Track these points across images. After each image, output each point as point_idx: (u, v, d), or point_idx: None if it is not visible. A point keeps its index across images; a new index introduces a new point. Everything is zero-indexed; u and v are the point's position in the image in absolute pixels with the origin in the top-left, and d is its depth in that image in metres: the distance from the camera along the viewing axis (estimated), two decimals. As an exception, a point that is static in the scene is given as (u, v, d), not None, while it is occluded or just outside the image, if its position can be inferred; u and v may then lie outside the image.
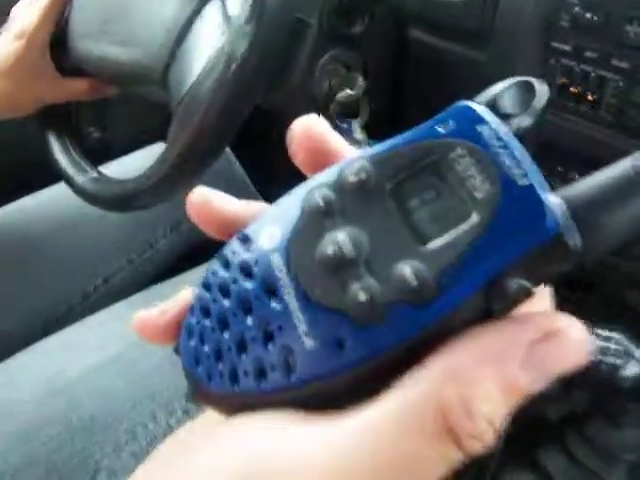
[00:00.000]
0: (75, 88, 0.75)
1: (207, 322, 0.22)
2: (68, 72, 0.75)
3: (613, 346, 0.58)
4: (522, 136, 0.20)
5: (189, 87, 0.58)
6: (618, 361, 0.57)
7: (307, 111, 0.77)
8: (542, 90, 0.21)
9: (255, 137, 1.03)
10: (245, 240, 0.22)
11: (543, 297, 0.22)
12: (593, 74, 0.54)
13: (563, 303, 0.71)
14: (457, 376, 0.18)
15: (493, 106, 0.21)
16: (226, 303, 0.22)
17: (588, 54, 0.54)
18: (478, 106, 0.21)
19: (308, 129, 0.24)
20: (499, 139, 0.20)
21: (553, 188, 0.60)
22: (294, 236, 0.21)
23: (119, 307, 0.76)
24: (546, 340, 0.19)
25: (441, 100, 0.73)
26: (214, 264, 0.23)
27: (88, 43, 0.71)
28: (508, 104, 0.21)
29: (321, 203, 0.21)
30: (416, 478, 0.18)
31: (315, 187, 0.22)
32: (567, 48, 0.55)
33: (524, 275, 0.19)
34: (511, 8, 0.59)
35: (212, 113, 0.55)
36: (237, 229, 0.23)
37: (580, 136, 0.57)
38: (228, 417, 0.21)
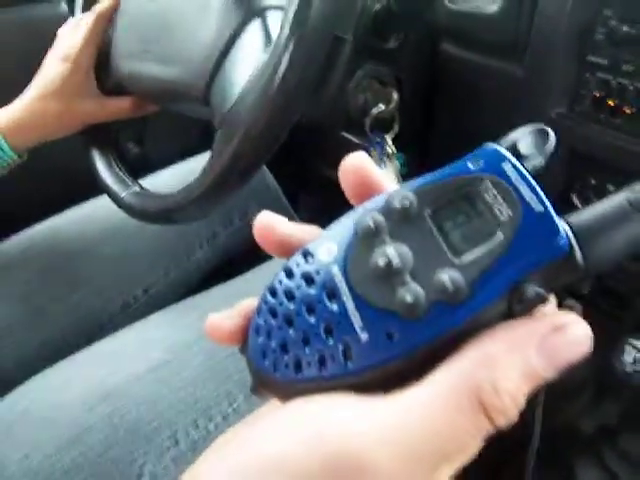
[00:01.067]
0: (118, 107, 0.78)
1: (274, 321, 0.26)
2: (111, 91, 0.78)
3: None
4: (536, 173, 0.25)
5: (232, 104, 0.59)
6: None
7: (342, 125, 0.79)
8: (552, 136, 0.26)
9: (290, 151, 1.05)
10: (307, 254, 0.27)
11: (551, 301, 0.26)
12: (631, 87, 0.54)
13: (600, 315, 0.72)
14: (487, 362, 0.22)
15: (514, 148, 0.26)
16: (291, 305, 0.26)
17: (624, 67, 0.54)
18: (502, 148, 0.26)
19: (356, 165, 0.29)
20: (519, 174, 0.24)
21: (587, 200, 0.61)
22: (350, 251, 0.26)
23: (157, 317, 0.77)
24: (555, 333, 0.23)
25: (474, 115, 0.74)
26: (279, 274, 0.27)
27: (130, 62, 0.73)
28: (525, 147, 0.25)
29: (372, 225, 0.26)
30: (457, 446, 0.22)
31: (365, 212, 0.26)
32: (603, 61, 0.55)
33: (539, 284, 0.23)
34: (546, 21, 0.59)
35: (255, 129, 0.56)
36: (292, 248, 0.28)
37: (615, 149, 0.57)
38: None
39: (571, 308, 0.72)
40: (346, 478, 0.21)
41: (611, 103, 0.56)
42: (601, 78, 0.56)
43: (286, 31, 0.54)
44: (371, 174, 0.29)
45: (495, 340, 0.23)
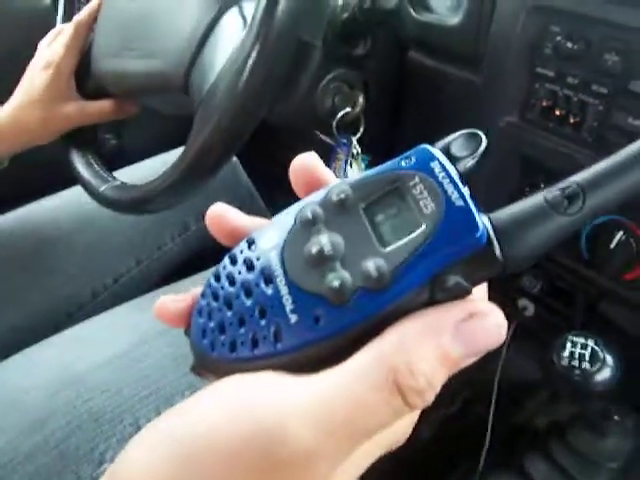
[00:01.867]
0: (99, 110, 0.80)
1: (215, 303, 0.28)
2: (91, 95, 0.79)
3: (587, 353, 0.61)
4: (467, 173, 0.27)
5: (206, 91, 0.61)
6: (591, 367, 0.60)
7: (311, 126, 0.81)
8: (483, 140, 0.27)
9: (263, 151, 1.07)
10: (250, 242, 0.28)
11: (482, 293, 0.28)
12: (575, 98, 0.56)
13: (550, 314, 0.74)
14: (403, 344, 0.24)
15: (447, 150, 0.27)
16: (232, 289, 0.27)
17: (570, 80, 0.56)
18: (433, 148, 0.27)
19: (304, 164, 0.31)
20: (445, 172, 0.26)
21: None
22: (288, 239, 0.27)
23: (127, 307, 0.79)
24: (470, 319, 0.24)
25: (436, 118, 0.77)
26: (224, 261, 0.29)
27: (110, 61, 0.74)
28: (457, 149, 0.27)
29: (310, 215, 0.27)
30: (375, 423, 0.24)
31: (306, 204, 0.28)
32: (551, 74, 0.58)
33: (461, 275, 0.24)
34: (501, 35, 0.62)
35: (224, 120, 0.58)
36: (243, 237, 0.29)
37: (562, 156, 0.59)
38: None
39: (524, 307, 0.75)
40: (271, 451, 0.23)
41: (558, 112, 0.58)
42: (549, 89, 0.58)
43: (254, 29, 0.56)
44: (318, 172, 0.31)
45: (412, 324, 0.24)
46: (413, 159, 0.27)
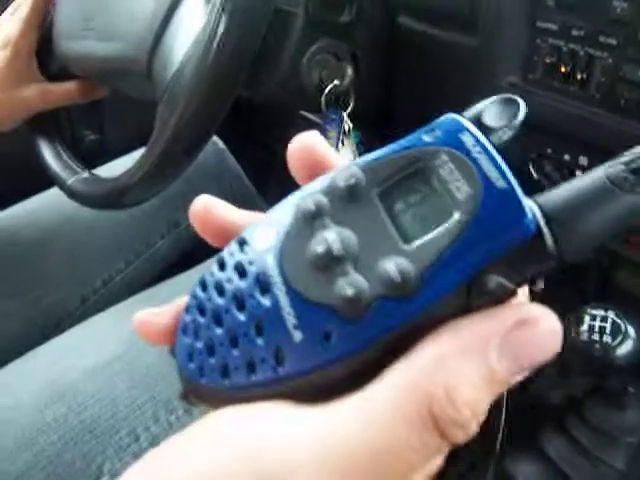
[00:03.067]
0: (63, 92, 0.75)
1: (201, 319, 0.23)
2: (56, 76, 0.75)
3: (608, 326, 0.57)
4: (503, 147, 0.22)
5: (172, 76, 0.57)
6: (613, 340, 0.57)
7: (298, 103, 0.78)
8: (522, 107, 0.23)
9: (249, 134, 1.03)
10: (242, 243, 0.23)
11: (523, 293, 0.23)
12: (581, 52, 0.53)
13: (561, 287, 0.71)
14: (440, 365, 0.19)
15: (478, 120, 0.23)
16: (220, 301, 0.23)
17: (575, 32, 0.53)
18: (462, 118, 0.23)
19: (305, 145, 0.26)
20: (480, 146, 0.21)
21: (544, 171, 0.58)
22: (287, 237, 0.22)
23: (117, 309, 0.75)
24: (520, 328, 0.20)
25: (432, 87, 0.72)
26: (211, 266, 0.24)
27: (73, 43, 0.71)
28: (491, 119, 0.23)
29: (312, 207, 0.22)
30: (403, 466, 0.19)
31: (308, 193, 0.23)
32: (554, 27, 0.54)
33: (503, 273, 0.20)
34: (496, -11, 0.58)
35: (195, 101, 0.55)
36: (233, 236, 0.24)
37: (569, 116, 0.56)
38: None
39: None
40: None
41: (563, 69, 0.55)
42: (552, 44, 0.55)
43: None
44: (320, 153, 0.26)
45: (449, 339, 0.20)
46: (438, 132, 0.23)
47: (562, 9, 0.53)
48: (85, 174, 0.71)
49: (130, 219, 0.87)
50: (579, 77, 0.54)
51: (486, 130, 0.22)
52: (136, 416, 0.63)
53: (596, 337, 0.56)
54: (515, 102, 0.23)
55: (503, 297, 0.20)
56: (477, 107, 0.23)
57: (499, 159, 0.21)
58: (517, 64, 0.58)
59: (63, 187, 0.71)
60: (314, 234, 0.22)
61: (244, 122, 0.97)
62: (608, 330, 0.56)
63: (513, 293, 0.20)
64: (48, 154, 0.74)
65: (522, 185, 0.21)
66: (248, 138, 1.04)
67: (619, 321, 0.57)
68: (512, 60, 0.58)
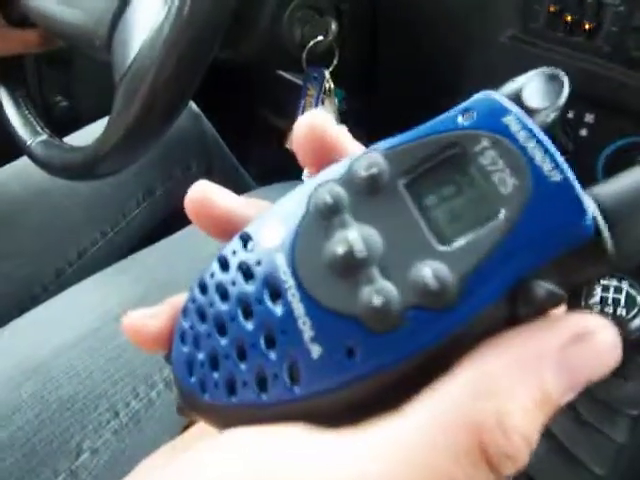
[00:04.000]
0: (24, 39, 0.74)
1: (202, 327, 0.21)
2: (17, 23, 0.73)
3: (621, 297, 0.55)
4: (547, 130, 0.19)
5: (138, 51, 0.55)
6: (627, 313, 0.54)
7: (279, 62, 0.74)
8: (566, 83, 0.20)
9: (225, 98, 1.00)
10: (246, 239, 0.21)
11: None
12: (589, -1, 0.50)
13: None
14: (488, 387, 0.17)
15: (518, 98, 0.20)
16: (224, 306, 0.20)
17: (583, -23, 0.50)
18: (504, 98, 0.20)
19: (313, 126, 0.23)
20: (528, 131, 0.19)
21: (568, 136, 0.54)
22: (300, 235, 0.20)
23: (93, 280, 0.72)
24: (577, 343, 0.17)
25: (422, 44, 0.69)
26: (211, 265, 0.21)
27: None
28: (532, 97, 0.20)
29: (329, 200, 0.20)
30: None
31: (323, 183, 0.21)
32: (559, -30, 0.51)
33: (555, 279, 0.18)
34: None
35: (167, 68, 0.52)
36: (236, 228, 0.22)
37: (573, 70, 0.52)
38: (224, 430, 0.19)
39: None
40: None
41: (569, 18, 0.51)
42: None
43: None
44: (330, 136, 0.23)
45: (498, 356, 0.17)
46: (475, 113, 0.20)
47: (568, -51, 0.50)
48: (45, 136, 0.69)
49: (104, 188, 0.84)
50: (586, 27, 0.50)
51: (527, 111, 0.19)
52: (115, 391, 0.61)
53: (609, 310, 0.54)
54: (557, 78, 0.20)
55: (553, 306, 0.18)
56: (515, 83, 0.21)
57: (552, 147, 0.18)
58: (517, 13, 0.55)
59: (23, 146, 0.69)
60: (332, 232, 0.19)
61: (221, 85, 0.94)
62: (622, 302, 0.54)
63: (563, 301, 0.18)
64: (9, 107, 0.72)
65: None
66: (226, 101, 1.01)
67: (634, 292, 0.54)
68: (511, 10, 0.55)
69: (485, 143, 0.19)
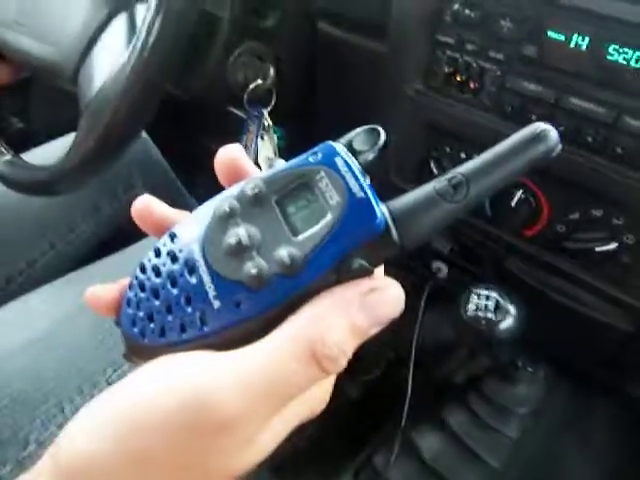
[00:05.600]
0: None
1: (142, 294, 0.30)
2: None
3: (491, 304, 0.65)
4: (368, 165, 0.30)
5: (99, 88, 0.61)
6: (495, 316, 0.64)
7: (223, 100, 0.80)
8: (382, 134, 0.30)
9: (174, 128, 1.05)
10: (173, 236, 0.31)
11: (380, 271, 0.31)
12: (474, 64, 0.59)
13: (463, 273, 0.77)
14: (316, 319, 0.26)
15: (350, 145, 0.30)
16: (158, 280, 0.30)
17: (469, 46, 0.59)
18: (337, 145, 0.30)
19: (228, 156, 0.33)
20: (347, 166, 0.29)
21: (443, 167, 0.65)
22: (208, 232, 0.29)
23: (43, 290, 0.76)
24: (373, 292, 0.27)
25: (349, 90, 0.77)
26: (148, 254, 0.31)
27: (5, 31, 0.72)
28: (360, 143, 0.30)
29: (227, 209, 0.29)
30: (291, 388, 0.26)
31: (224, 198, 0.30)
32: (451, 41, 0.60)
33: (363, 257, 0.27)
34: (403, 3, 0.63)
35: (125, 105, 0.59)
36: (167, 229, 0.31)
37: (464, 120, 0.62)
38: None
39: (438, 269, 0.79)
40: (202, 417, 0.25)
41: (459, 79, 0.61)
42: (450, 56, 0.60)
43: (151, 9, 0.57)
44: (241, 163, 0.33)
45: (323, 300, 0.27)
46: (319, 155, 0.30)
47: (458, 25, 0.59)
48: (8, 156, 0.72)
49: (54, 202, 0.87)
50: (472, 86, 0.60)
51: (355, 153, 0.30)
52: (62, 389, 0.64)
53: (481, 314, 0.64)
54: (377, 130, 0.31)
55: (363, 274, 0.28)
56: (350, 135, 0.31)
57: (360, 176, 0.28)
58: (420, 72, 0.64)
59: None
60: (228, 229, 0.29)
61: (172, 118, 1.00)
62: (491, 307, 0.64)
63: (371, 271, 0.28)
64: None
65: (379, 192, 0.28)
66: (177, 133, 1.07)
67: (501, 300, 0.65)
68: (416, 68, 0.64)
69: (322, 174, 0.29)
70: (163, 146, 1.04)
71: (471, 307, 0.64)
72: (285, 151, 0.83)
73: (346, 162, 0.29)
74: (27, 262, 0.87)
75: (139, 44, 0.57)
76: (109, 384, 0.66)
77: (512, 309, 0.64)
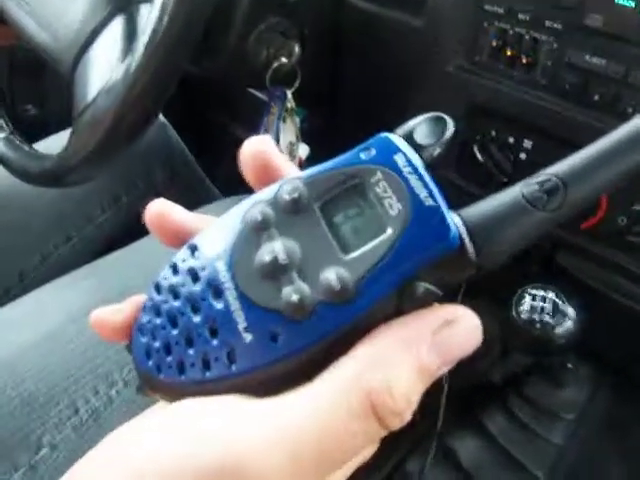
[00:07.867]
0: None
1: (158, 320, 0.25)
2: None
3: (548, 306, 0.59)
4: (432, 162, 0.24)
5: (99, 89, 0.58)
6: (553, 320, 0.59)
7: (244, 80, 0.77)
8: (450, 125, 0.25)
9: (192, 111, 1.02)
10: (193, 249, 0.25)
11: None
12: (527, 36, 0.54)
13: (503, 269, 0.73)
14: (378, 361, 0.21)
15: (410, 137, 0.25)
16: (176, 303, 0.24)
17: (521, 16, 0.54)
18: (396, 137, 0.25)
19: (256, 149, 0.27)
20: (411, 166, 0.24)
21: (488, 152, 0.60)
22: (236, 246, 0.24)
23: (57, 284, 0.74)
24: (446, 327, 0.22)
25: (379, 68, 0.73)
26: (165, 270, 0.26)
27: (8, 1, 0.69)
28: (422, 136, 0.25)
29: (259, 218, 0.24)
30: (346, 450, 0.21)
31: (255, 204, 0.25)
32: (500, 10, 0.55)
33: (431, 280, 0.22)
34: (444, -29, 0.59)
35: (137, 87, 0.55)
36: (188, 238, 0.26)
37: (514, 100, 0.57)
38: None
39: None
40: None
41: (509, 53, 0.56)
42: (499, 27, 0.56)
43: None
44: (271, 159, 0.27)
45: (385, 338, 0.22)
46: (374, 151, 0.25)
47: (509, -7, 0.54)
48: (5, 133, 0.70)
49: (70, 193, 0.85)
50: (524, 61, 0.55)
51: (417, 147, 0.24)
52: (76, 389, 0.62)
53: (536, 317, 0.58)
54: (443, 120, 0.25)
55: (430, 302, 0.23)
56: (409, 125, 0.25)
57: (428, 178, 0.23)
58: (463, 47, 0.59)
59: None
60: (262, 244, 0.24)
61: (191, 99, 0.96)
62: (548, 310, 0.58)
63: (439, 297, 0.23)
64: None
65: (446, 196, 0.23)
66: (195, 114, 1.04)
67: (559, 301, 0.59)
68: (458, 42, 0.59)
69: (379, 175, 0.24)
70: (182, 132, 1.00)
71: (524, 309, 0.58)
72: (308, 133, 0.78)
73: (409, 161, 0.24)
74: (42, 255, 0.84)
75: (154, 19, 0.53)
76: (125, 384, 0.63)
77: (571, 311, 0.58)
